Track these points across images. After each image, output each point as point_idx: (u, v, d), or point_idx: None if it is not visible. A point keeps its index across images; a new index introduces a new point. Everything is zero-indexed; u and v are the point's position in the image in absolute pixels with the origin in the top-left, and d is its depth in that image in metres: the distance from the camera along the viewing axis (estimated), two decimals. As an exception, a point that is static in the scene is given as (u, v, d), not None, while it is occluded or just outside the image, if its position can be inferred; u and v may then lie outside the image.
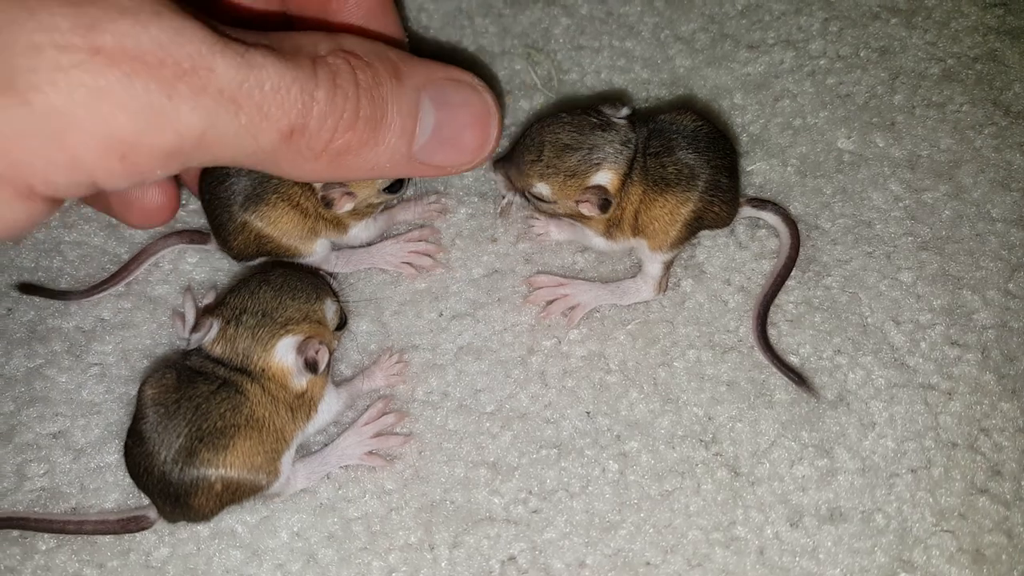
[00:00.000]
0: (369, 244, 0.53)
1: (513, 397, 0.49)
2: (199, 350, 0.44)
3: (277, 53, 0.31)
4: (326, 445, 0.47)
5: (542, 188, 0.48)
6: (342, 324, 0.47)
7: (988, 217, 0.54)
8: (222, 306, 0.45)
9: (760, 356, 0.50)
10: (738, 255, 0.53)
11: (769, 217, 0.52)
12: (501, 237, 0.54)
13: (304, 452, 0.47)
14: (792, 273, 0.52)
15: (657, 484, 0.47)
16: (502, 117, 0.39)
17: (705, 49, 0.59)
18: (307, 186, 0.47)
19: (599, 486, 0.47)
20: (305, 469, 0.46)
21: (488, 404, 0.49)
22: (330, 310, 0.45)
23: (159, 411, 0.41)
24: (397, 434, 0.47)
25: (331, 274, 0.51)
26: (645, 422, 0.49)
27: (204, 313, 0.46)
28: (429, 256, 0.52)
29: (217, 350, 0.43)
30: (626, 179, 0.47)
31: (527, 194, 0.49)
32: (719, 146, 0.48)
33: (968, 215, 0.54)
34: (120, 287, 0.52)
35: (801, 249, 0.52)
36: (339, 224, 0.50)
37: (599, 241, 0.50)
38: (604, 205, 0.47)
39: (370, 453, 0.46)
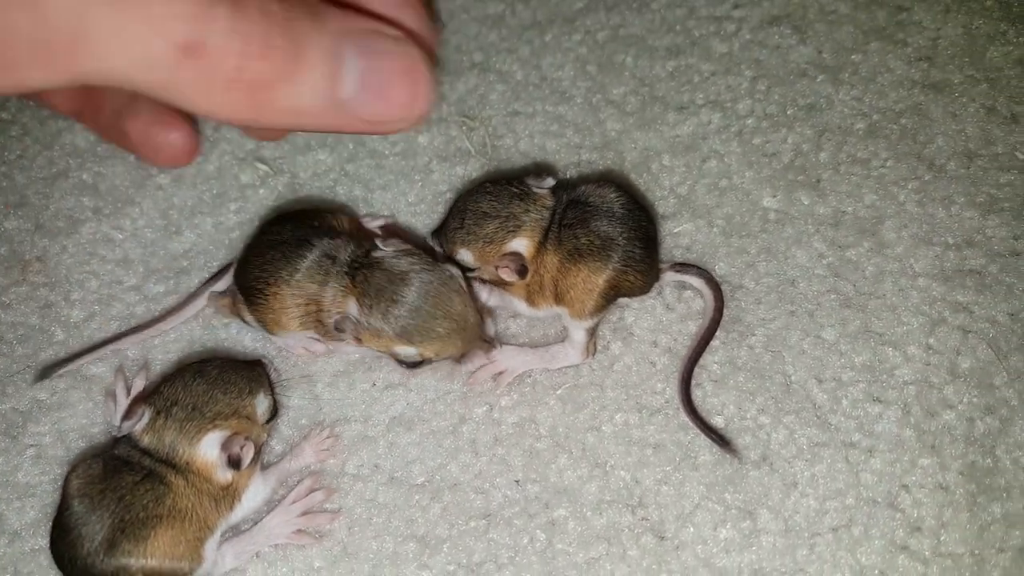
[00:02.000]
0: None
1: (444, 467, 0.50)
2: (129, 438, 0.45)
3: None
4: (257, 523, 0.48)
5: (464, 255, 0.49)
6: (273, 416, 0.48)
7: (911, 272, 0.55)
8: (155, 395, 0.46)
9: (685, 418, 0.51)
10: (665, 317, 0.54)
11: (693, 280, 0.53)
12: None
13: (235, 531, 0.48)
14: (716, 334, 0.53)
15: (583, 552, 0.48)
16: (433, 75, 0.35)
17: (635, 112, 0.61)
18: (326, 296, 0.46)
19: (527, 556, 0.48)
20: (234, 549, 0.46)
21: (419, 475, 0.50)
22: (261, 404, 0.46)
23: (84, 502, 0.42)
24: (325, 511, 0.48)
25: (269, 362, 0.51)
26: (573, 488, 0.50)
27: (137, 400, 0.47)
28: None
29: (146, 440, 0.44)
30: (541, 247, 0.48)
31: (455, 261, 0.50)
32: (635, 217, 0.49)
33: (891, 271, 0.55)
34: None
35: (725, 310, 0.53)
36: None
37: (523, 307, 0.52)
38: (522, 271, 0.48)
39: (298, 531, 0.47)
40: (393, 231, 0.54)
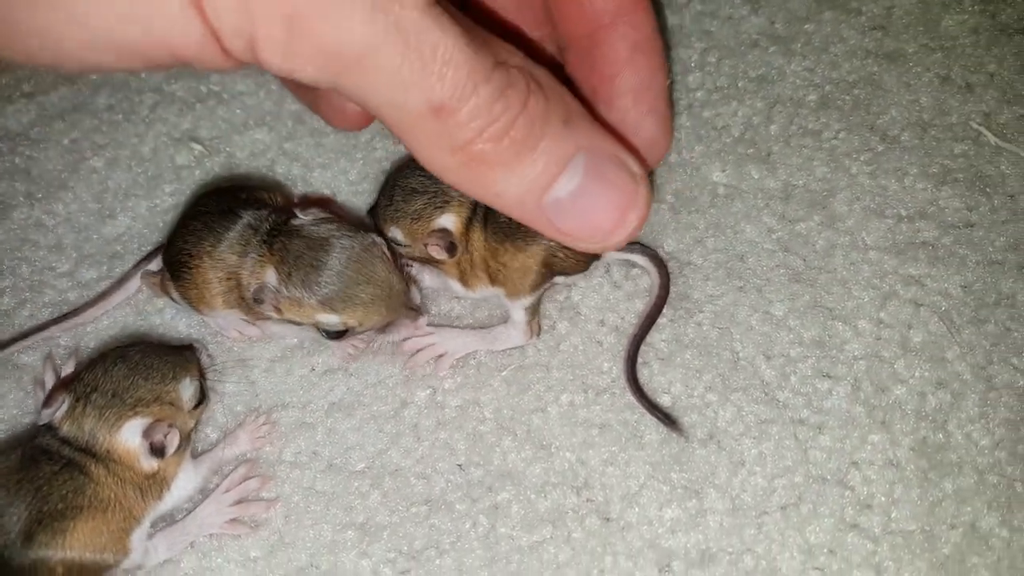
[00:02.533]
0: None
1: (384, 453, 0.49)
2: (50, 427, 0.43)
3: (469, 35, 0.31)
4: (190, 512, 0.47)
5: (395, 232, 0.48)
6: (200, 402, 0.46)
7: (862, 245, 0.54)
8: (76, 381, 0.44)
9: (631, 397, 0.50)
10: (612, 295, 0.53)
11: (638, 259, 0.52)
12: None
13: (170, 521, 0.47)
14: (664, 311, 0.52)
15: (527, 535, 0.47)
16: (647, 213, 0.37)
17: (582, 84, 0.59)
18: (246, 267, 0.45)
19: (469, 541, 0.47)
20: (167, 539, 0.45)
21: (359, 462, 0.49)
22: (187, 390, 0.45)
23: (0, 494, 0.41)
24: (260, 500, 0.47)
25: (202, 348, 0.50)
26: (517, 471, 0.49)
27: (59, 387, 0.46)
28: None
29: (65, 428, 0.42)
30: (469, 224, 0.47)
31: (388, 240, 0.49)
32: None
33: (842, 244, 0.54)
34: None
35: (672, 287, 0.52)
36: (259, 314, 0.46)
37: (459, 288, 0.50)
38: (450, 248, 0.47)
39: (233, 521, 0.46)
40: (320, 203, 0.53)
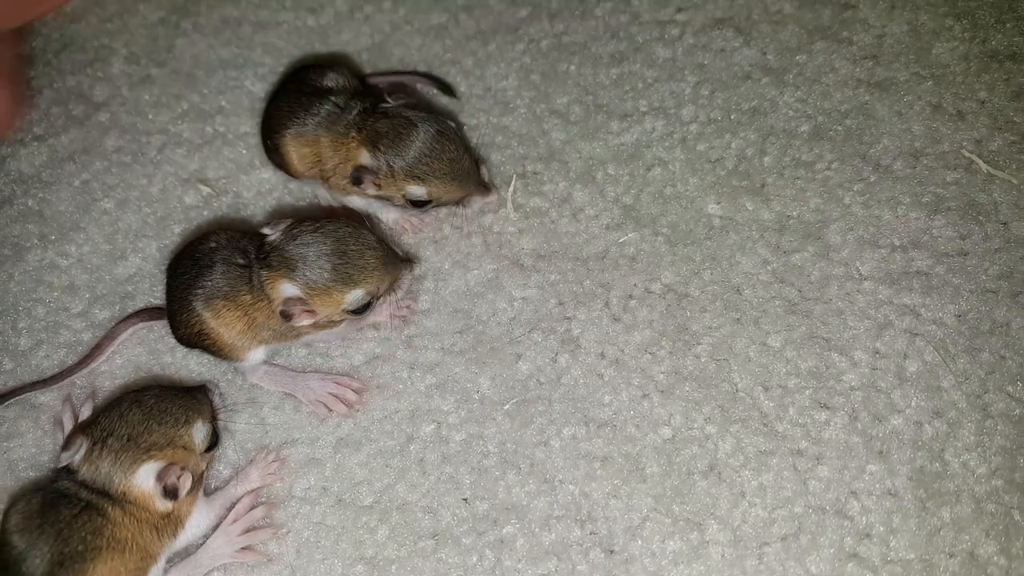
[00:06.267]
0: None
1: (391, 488, 0.50)
2: (68, 469, 0.45)
3: None
4: (202, 546, 0.48)
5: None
6: (213, 444, 0.48)
7: (856, 276, 0.55)
8: (93, 425, 0.46)
9: (632, 430, 0.51)
10: (611, 328, 0.54)
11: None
12: (383, 323, 0.55)
13: (183, 555, 0.48)
14: (662, 343, 0.53)
15: (532, 568, 0.48)
16: None
17: (579, 121, 0.60)
18: (262, 298, 0.48)
19: (476, 575, 0.48)
20: (180, 575, 0.46)
21: (367, 496, 0.50)
22: (199, 433, 0.46)
23: (23, 538, 0.42)
24: (267, 527, 0.48)
25: (214, 387, 0.51)
26: (521, 504, 0.50)
27: (77, 431, 0.47)
28: (347, 403, 0.51)
29: (83, 471, 0.44)
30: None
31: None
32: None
33: (836, 275, 0.55)
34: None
35: (671, 319, 0.53)
36: (294, 332, 0.50)
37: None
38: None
39: (243, 549, 0.47)
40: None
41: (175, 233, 0.59)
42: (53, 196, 0.61)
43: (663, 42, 0.63)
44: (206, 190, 0.60)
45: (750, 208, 0.57)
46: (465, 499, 0.50)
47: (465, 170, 0.53)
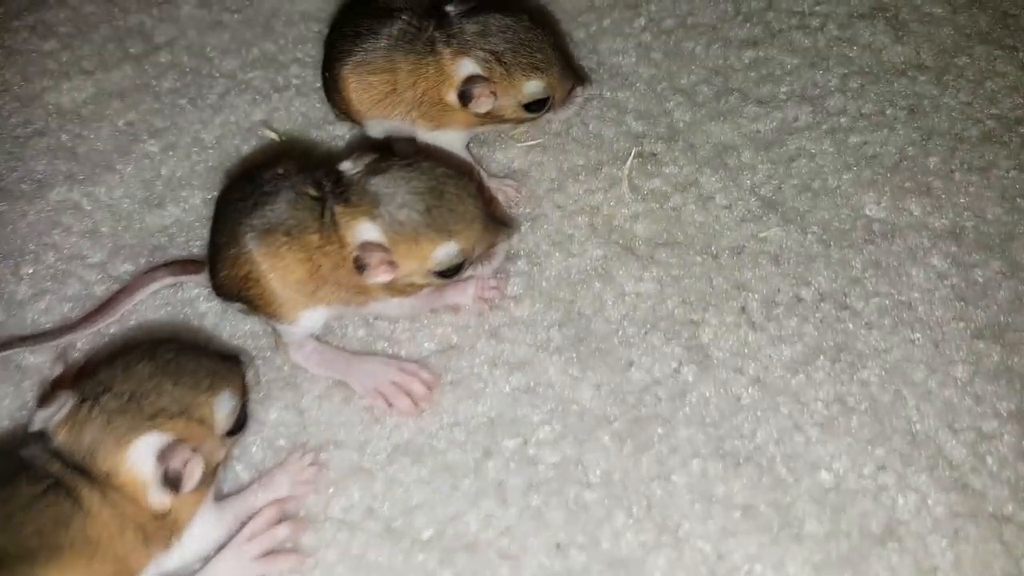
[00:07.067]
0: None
1: (459, 518, 0.38)
2: (43, 434, 0.33)
3: None
4: (201, 569, 0.35)
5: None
6: (238, 428, 0.36)
7: (1054, 301, 0.44)
8: (88, 378, 0.34)
9: (783, 471, 0.39)
10: (752, 337, 0.43)
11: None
12: (464, 305, 0.44)
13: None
14: (818, 362, 0.42)
15: (648, 651, 0.35)
16: None
17: (708, 103, 0.52)
18: (333, 240, 0.38)
19: (570, 651, 0.35)
20: (167, 613, 0.33)
21: (425, 528, 0.37)
22: (224, 407, 0.34)
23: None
24: (290, 552, 0.35)
25: (249, 360, 0.40)
26: (634, 560, 0.37)
27: (63, 382, 0.35)
28: (414, 398, 0.41)
29: (61, 437, 0.32)
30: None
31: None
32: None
33: (1030, 298, 0.44)
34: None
35: (830, 335, 0.42)
36: (361, 293, 0.39)
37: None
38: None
39: (257, 583, 0.34)
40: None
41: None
42: (92, 133, 0.52)
43: (803, 31, 0.56)
44: (272, 135, 0.51)
45: (916, 212, 0.47)
46: (558, 544, 0.37)
47: (564, 56, 0.49)
